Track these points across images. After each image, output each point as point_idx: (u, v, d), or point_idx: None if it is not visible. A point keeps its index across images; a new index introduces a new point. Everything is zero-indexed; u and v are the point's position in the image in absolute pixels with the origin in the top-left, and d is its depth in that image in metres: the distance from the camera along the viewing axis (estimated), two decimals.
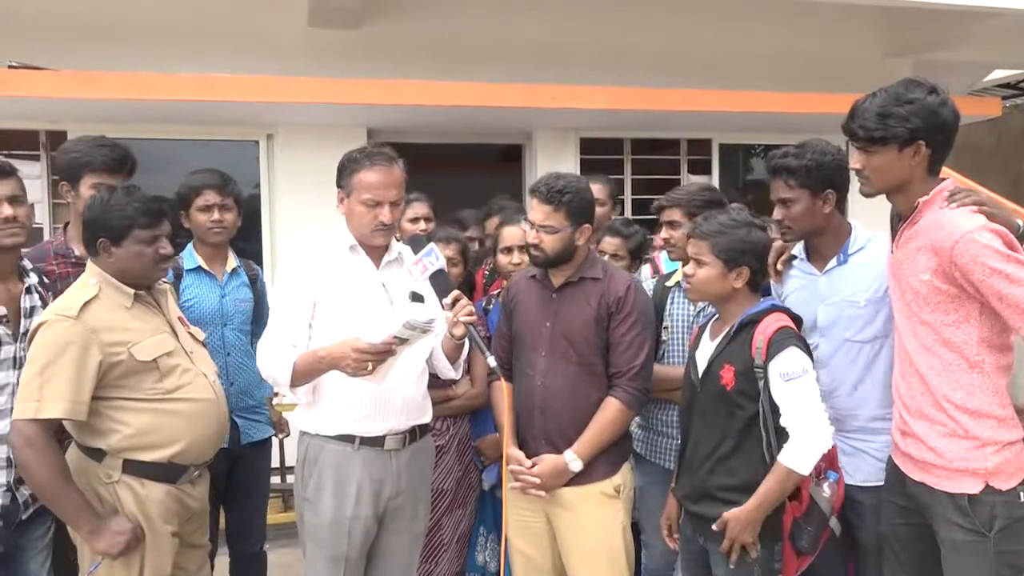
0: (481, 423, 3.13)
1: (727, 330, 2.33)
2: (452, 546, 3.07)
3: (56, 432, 2.19)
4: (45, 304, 2.38)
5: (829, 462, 2.31)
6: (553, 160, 5.65)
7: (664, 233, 2.88)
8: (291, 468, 3.31)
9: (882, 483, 2.34)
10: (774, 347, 2.19)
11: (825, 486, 2.25)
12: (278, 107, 4.76)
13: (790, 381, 2.18)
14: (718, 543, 2.26)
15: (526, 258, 2.98)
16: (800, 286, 2.57)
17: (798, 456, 2.17)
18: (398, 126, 5.35)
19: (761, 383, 2.22)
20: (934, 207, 2.09)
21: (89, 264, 2.34)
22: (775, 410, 2.21)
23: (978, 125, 8.80)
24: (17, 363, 2.29)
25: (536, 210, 2.55)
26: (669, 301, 2.87)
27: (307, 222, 4.81)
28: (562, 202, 2.49)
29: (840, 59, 6.14)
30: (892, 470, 2.28)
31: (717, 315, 2.43)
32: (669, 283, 2.87)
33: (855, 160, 2.18)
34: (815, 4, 5.53)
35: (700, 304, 2.77)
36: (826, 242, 2.52)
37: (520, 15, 5.63)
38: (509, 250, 3.08)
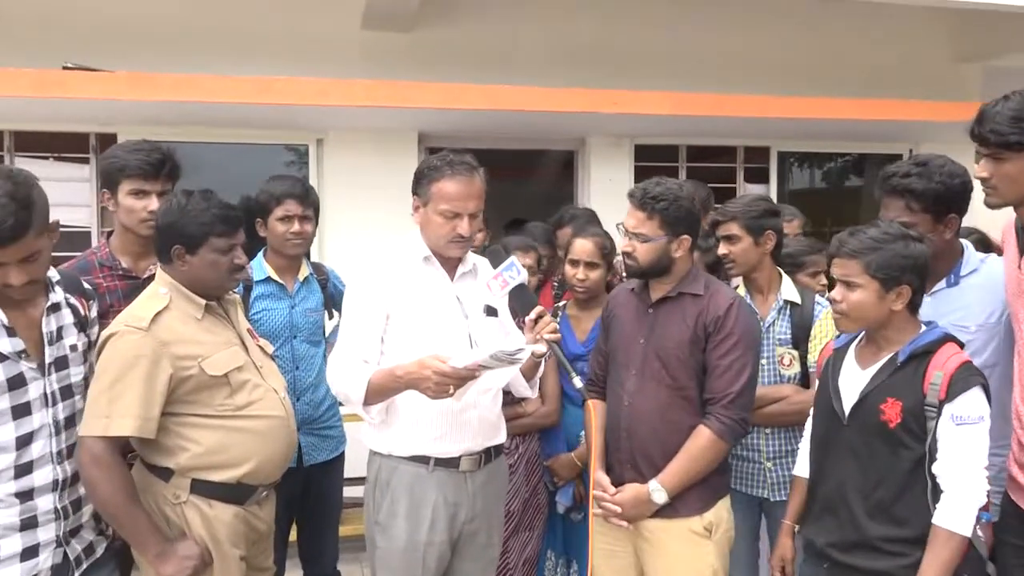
0: (551, 442, 3.00)
1: (887, 359, 2.09)
2: (519, 570, 2.94)
3: (122, 448, 2.08)
4: (80, 320, 2.13)
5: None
6: (607, 167, 5.52)
7: (723, 249, 2.73)
8: (347, 480, 3.19)
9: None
10: (956, 385, 1.96)
11: (978, 528, 2.02)
12: (330, 111, 4.67)
13: (962, 425, 1.95)
14: None
15: (592, 274, 2.91)
16: None
17: (958, 516, 1.94)
18: (451, 131, 5.24)
19: (932, 423, 1.99)
20: None
21: (159, 272, 2.25)
22: None
23: None
24: (50, 400, 1.97)
25: (630, 216, 2.41)
26: None
27: (357, 227, 4.74)
28: (656, 209, 2.34)
29: (906, 64, 5.92)
30: (1010, 508, 2.10)
31: (861, 339, 2.20)
32: None
33: (981, 168, 2.02)
34: (880, 6, 5.33)
35: None
36: (938, 264, 2.31)
37: (574, 19, 5.51)
38: (576, 263, 2.96)
